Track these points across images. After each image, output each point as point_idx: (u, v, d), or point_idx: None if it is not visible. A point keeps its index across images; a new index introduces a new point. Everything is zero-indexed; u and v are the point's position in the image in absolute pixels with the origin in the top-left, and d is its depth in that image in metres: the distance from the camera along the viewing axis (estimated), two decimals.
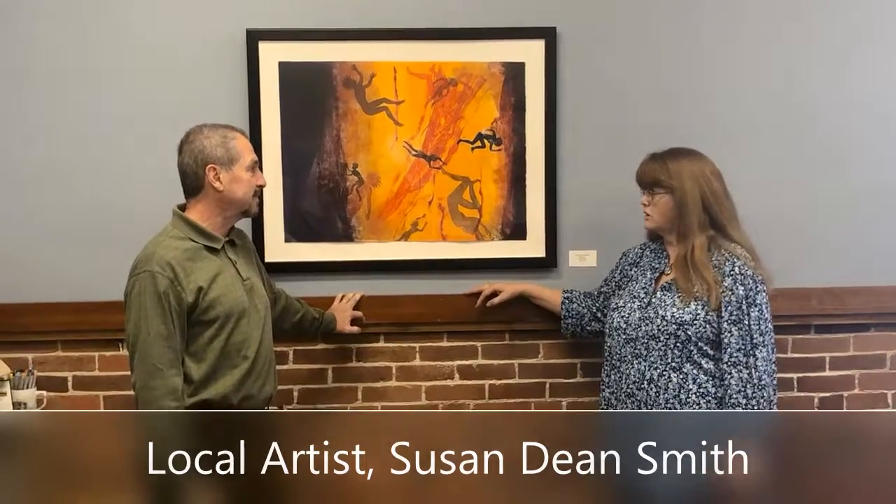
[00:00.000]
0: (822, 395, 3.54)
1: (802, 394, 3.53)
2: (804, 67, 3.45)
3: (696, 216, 2.93)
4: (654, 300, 2.97)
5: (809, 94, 3.46)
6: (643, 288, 3.04)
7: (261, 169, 2.95)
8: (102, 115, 3.30)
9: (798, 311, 3.46)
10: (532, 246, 3.43)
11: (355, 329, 3.36)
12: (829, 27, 3.45)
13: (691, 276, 2.91)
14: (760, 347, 2.85)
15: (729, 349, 2.86)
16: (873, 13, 3.46)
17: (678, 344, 2.90)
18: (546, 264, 3.44)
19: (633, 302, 3.02)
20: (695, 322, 2.88)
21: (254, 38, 3.28)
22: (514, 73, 3.37)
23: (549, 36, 3.35)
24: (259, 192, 2.90)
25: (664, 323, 2.91)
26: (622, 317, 3.02)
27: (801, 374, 3.53)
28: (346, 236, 3.38)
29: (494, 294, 3.37)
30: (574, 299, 3.31)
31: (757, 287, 2.88)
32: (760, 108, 3.45)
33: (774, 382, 2.88)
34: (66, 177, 3.30)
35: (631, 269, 3.17)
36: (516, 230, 3.43)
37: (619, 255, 3.29)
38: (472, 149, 3.39)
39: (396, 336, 3.44)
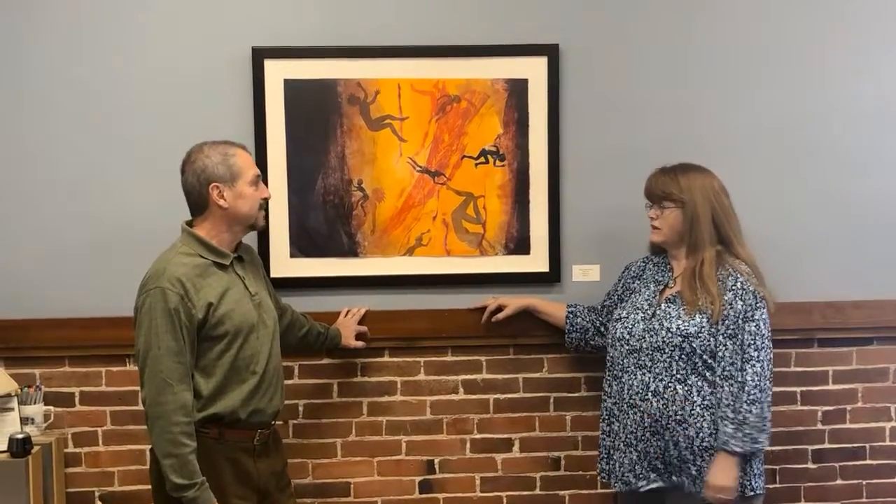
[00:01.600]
0: (824, 408, 3.55)
1: (805, 407, 3.54)
2: (807, 80, 3.47)
3: (707, 230, 2.95)
4: (658, 312, 2.99)
5: (812, 108, 3.48)
6: (647, 300, 3.05)
7: (265, 182, 2.96)
8: (110, 133, 3.32)
9: (801, 325, 3.47)
10: (535, 261, 3.45)
11: (360, 344, 3.37)
12: (832, 39, 3.47)
13: (697, 288, 2.93)
14: (754, 362, 2.86)
15: (723, 363, 2.88)
16: (879, 19, 3.49)
17: (683, 356, 2.91)
18: (549, 279, 3.45)
19: (637, 313, 3.03)
20: (700, 334, 2.90)
21: (259, 56, 3.31)
22: (517, 90, 3.39)
23: (551, 53, 3.38)
24: (265, 205, 2.92)
25: (669, 335, 2.92)
26: (625, 328, 3.03)
27: (803, 388, 3.53)
28: (351, 251, 3.40)
29: (500, 309, 3.38)
30: (578, 314, 3.32)
31: (756, 303, 2.90)
32: (763, 123, 3.47)
33: (769, 398, 2.88)
34: (74, 194, 3.32)
35: (634, 282, 3.19)
36: (520, 245, 3.44)
37: (622, 270, 3.30)
38: (476, 165, 3.41)
39: (401, 350, 3.46)
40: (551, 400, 3.50)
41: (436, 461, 3.49)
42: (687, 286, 2.96)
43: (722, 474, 2.87)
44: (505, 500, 3.51)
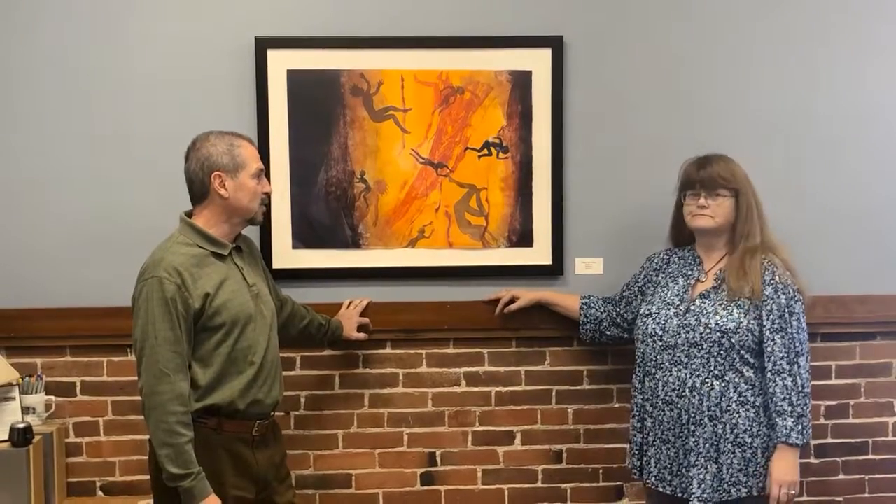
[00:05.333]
0: (828, 403, 3.54)
1: None
2: (813, 78, 3.46)
3: (757, 221, 2.98)
4: (693, 307, 2.98)
5: (817, 101, 3.47)
6: (678, 295, 3.04)
7: (267, 177, 2.96)
8: (110, 123, 3.32)
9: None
10: (538, 253, 3.44)
11: (362, 336, 3.37)
12: (839, 37, 3.46)
13: (745, 277, 2.93)
14: (802, 356, 2.90)
15: (773, 357, 2.89)
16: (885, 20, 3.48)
17: (721, 352, 2.91)
18: (552, 272, 3.44)
19: (668, 309, 3.02)
20: (738, 330, 2.90)
21: (262, 46, 3.30)
22: (521, 82, 3.38)
23: (555, 44, 3.36)
24: (265, 200, 2.91)
25: (708, 331, 2.92)
26: (657, 323, 3.02)
27: None
28: (354, 243, 3.40)
29: (513, 301, 3.38)
30: (592, 304, 3.32)
31: (795, 296, 2.92)
32: (768, 118, 3.45)
33: (810, 391, 2.92)
34: (74, 183, 3.32)
35: (658, 276, 3.17)
36: (523, 238, 3.43)
37: (625, 262, 3.33)
38: (479, 157, 3.40)
39: (403, 343, 3.45)
40: (553, 393, 3.50)
41: (437, 453, 3.49)
42: (734, 275, 2.95)
43: (787, 468, 2.90)
44: (506, 493, 3.51)
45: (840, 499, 3.57)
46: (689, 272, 3.07)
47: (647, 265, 3.23)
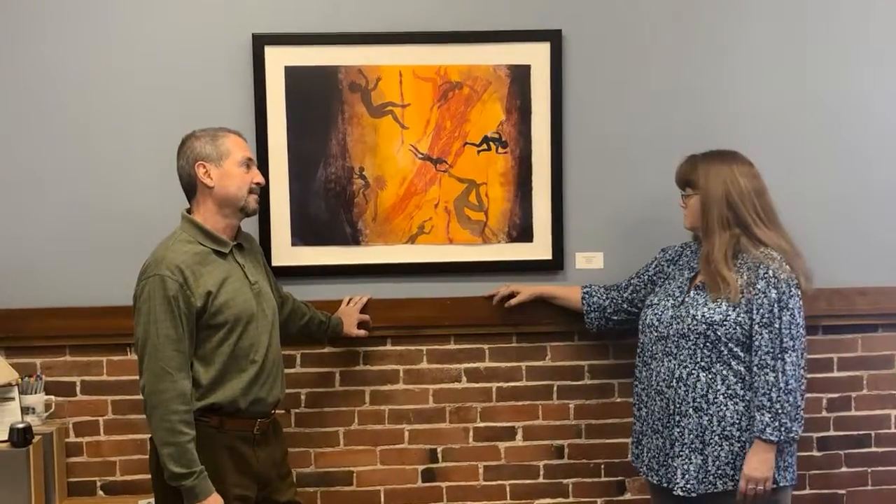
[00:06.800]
0: (830, 395, 3.54)
1: (810, 395, 3.49)
2: (813, 68, 3.46)
3: (718, 214, 2.92)
4: (687, 299, 2.98)
5: (816, 96, 3.46)
6: (678, 287, 3.04)
7: (266, 174, 2.94)
8: (110, 120, 3.30)
9: (806, 312, 3.35)
10: (538, 248, 3.43)
11: (362, 332, 3.35)
12: (838, 25, 3.46)
13: (713, 274, 2.91)
14: (790, 352, 2.84)
15: (759, 352, 2.86)
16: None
17: (708, 343, 2.90)
18: (552, 267, 3.43)
19: (667, 300, 3.03)
20: (725, 322, 2.88)
21: (260, 43, 3.29)
22: (519, 76, 3.37)
23: (554, 39, 3.35)
24: (256, 190, 2.89)
25: (694, 322, 2.91)
26: (655, 314, 3.02)
27: (809, 375, 3.47)
28: (353, 240, 3.38)
29: (512, 295, 3.37)
30: (594, 293, 3.31)
31: (790, 291, 2.87)
32: (769, 110, 3.45)
33: (803, 387, 2.88)
34: (73, 181, 3.31)
35: (668, 267, 3.18)
36: (523, 233, 3.42)
37: (626, 256, 3.34)
38: (478, 152, 3.39)
39: (403, 339, 3.44)
40: (554, 388, 3.49)
41: (438, 450, 3.48)
42: (705, 272, 2.95)
43: (759, 464, 2.86)
44: (508, 489, 3.50)
45: (843, 491, 3.57)
46: (694, 265, 3.07)
47: (661, 255, 3.23)
